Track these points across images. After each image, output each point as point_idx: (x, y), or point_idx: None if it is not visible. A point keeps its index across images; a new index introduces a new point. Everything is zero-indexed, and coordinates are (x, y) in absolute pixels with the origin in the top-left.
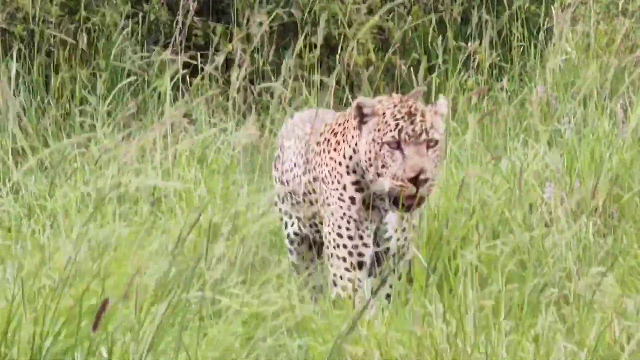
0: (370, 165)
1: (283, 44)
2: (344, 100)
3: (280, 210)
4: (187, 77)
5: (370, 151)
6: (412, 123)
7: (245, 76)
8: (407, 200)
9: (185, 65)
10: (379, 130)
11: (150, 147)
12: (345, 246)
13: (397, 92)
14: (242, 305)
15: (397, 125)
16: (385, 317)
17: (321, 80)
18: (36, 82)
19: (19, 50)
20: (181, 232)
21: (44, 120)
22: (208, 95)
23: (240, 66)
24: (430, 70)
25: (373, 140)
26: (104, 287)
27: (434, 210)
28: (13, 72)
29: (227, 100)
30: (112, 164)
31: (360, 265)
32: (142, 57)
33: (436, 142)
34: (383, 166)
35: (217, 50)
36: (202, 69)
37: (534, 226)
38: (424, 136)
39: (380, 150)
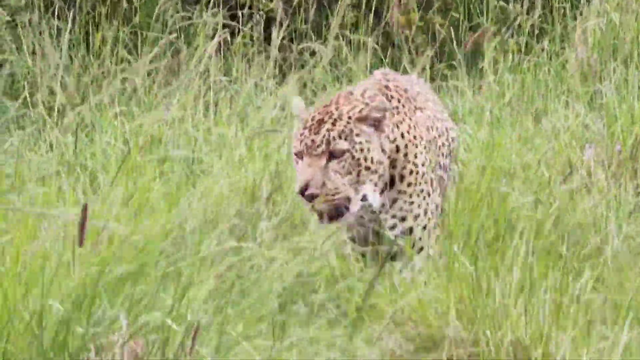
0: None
1: (324, 3)
2: (385, 60)
3: None
4: (228, 36)
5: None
6: (315, 133)
7: (285, 35)
8: (320, 214)
9: (225, 24)
10: (295, 137)
11: (191, 105)
12: None
13: (436, 52)
14: (285, 262)
15: (302, 134)
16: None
17: (362, 40)
18: (77, 40)
19: (60, 7)
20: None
21: (84, 79)
22: (248, 54)
23: (281, 25)
24: (471, 30)
25: (292, 147)
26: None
27: (474, 172)
28: (54, 30)
29: (268, 59)
30: (152, 123)
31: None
32: (182, 17)
33: (343, 152)
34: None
35: (258, 9)
36: (241, 31)
37: (573, 187)
38: (323, 147)
39: (294, 159)
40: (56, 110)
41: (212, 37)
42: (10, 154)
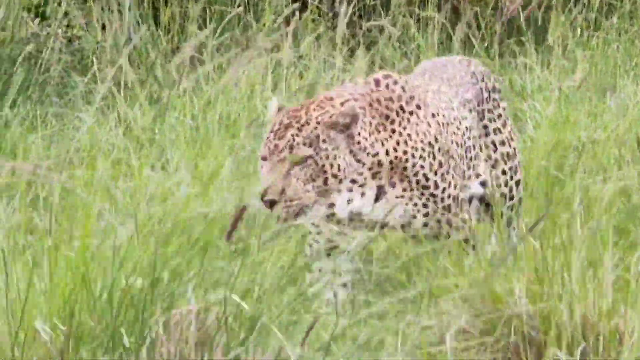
0: None
1: None
2: (454, 37)
3: None
4: (297, 12)
5: None
6: (280, 138)
7: (355, 11)
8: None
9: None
10: (263, 141)
11: (260, 81)
12: None
13: (505, 28)
14: None
15: (267, 138)
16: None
17: (430, 16)
18: (146, 15)
19: None
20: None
21: (153, 54)
22: (317, 29)
23: (349, 1)
24: (539, 7)
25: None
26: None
27: (542, 148)
28: (123, 6)
29: (336, 35)
30: (220, 99)
31: None
32: None
33: (307, 158)
34: None
35: None
36: (309, 6)
37: None
38: (285, 152)
39: (260, 163)
40: (123, 85)
41: (281, 13)
42: (79, 129)
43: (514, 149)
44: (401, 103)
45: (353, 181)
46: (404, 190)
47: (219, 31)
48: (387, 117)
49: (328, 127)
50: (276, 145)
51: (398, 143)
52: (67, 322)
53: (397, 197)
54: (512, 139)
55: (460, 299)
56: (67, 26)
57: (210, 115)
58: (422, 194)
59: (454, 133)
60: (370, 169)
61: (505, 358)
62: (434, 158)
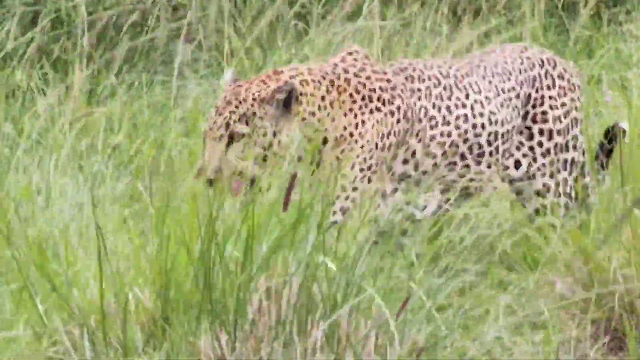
0: None
1: None
2: (559, 3)
3: None
4: None
5: None
6: (219, 114)
7: None
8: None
9: None
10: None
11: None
12: None
13: None
14: None
15: (211, 114)
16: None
17: None
18: None
19: None
20: None
21: (258, 23)
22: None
23: None
24: None
25: None
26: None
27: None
28: None
29: (441, 2)
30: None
31: None
32: None
33: (242, 135)
34: None
35: None
36: None
37: None
38: (222, 131)
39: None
40: (226, 54)
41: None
42: (185, 98)
43: (568, 142)
44: (365, 91)
45: (299, 158)
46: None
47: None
48: (350, 95)
49: (264, 103)
50: (215, 122)
51: (350, 124)
52: (167, 289)
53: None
54: (568, 131)
55: (564, 267)
56: None
57: None
58: (351, 182)
59: (450, 133)
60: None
61: (608, 327)
62: (371, 157)
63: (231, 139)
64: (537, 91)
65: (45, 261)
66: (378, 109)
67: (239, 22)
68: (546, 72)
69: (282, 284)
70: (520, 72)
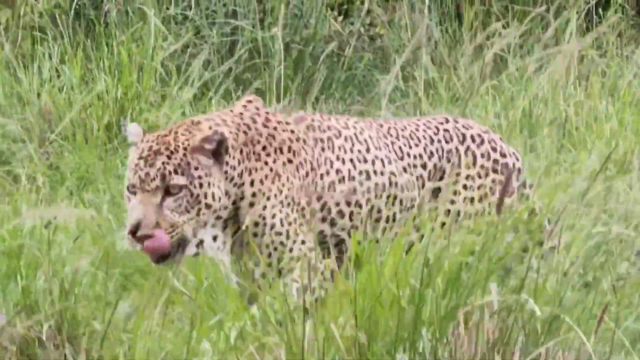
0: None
1: None
2: None
3: None
4: (600, 10)
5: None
6: (150, 165)
7: None
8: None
9: None
10: (129, 168)
11: (562, 79)
12: None
13: None
14: None
15: (136, 165)
16: None
17: None
18: (449, 14)
19: None
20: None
21: (455, 52)
22: (620, 27)
23: None
24: None
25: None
26: None
27: None
28: (425, 4)
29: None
30: (522, 95)
31: None
32: None
33: (180, 188)
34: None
35: None
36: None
37: None
38: (157, 182)
39: (125, 193)
40: (422, 84)
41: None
42: None
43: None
44: (276, 133)
45: (218, 217)
46: (255, 235)
47: (521, 30)
48: (264, 147)
49: (197, 153)
50: (147, 174)
51: (266, 177)
52: (367, 321)
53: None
54: (483, 215)
55: None
56: (370, 24)
57: (511, 113)
58: (272, 242)
59: (351, 190)
60: (234, 202)
61: None
62: (292, 210)
63: (167, 191)
64: (452, 167)
65: None
66: (290, 161)
67: (436, 53)
68: (467, 149)
69: (482, 316)
70: (432, 142)
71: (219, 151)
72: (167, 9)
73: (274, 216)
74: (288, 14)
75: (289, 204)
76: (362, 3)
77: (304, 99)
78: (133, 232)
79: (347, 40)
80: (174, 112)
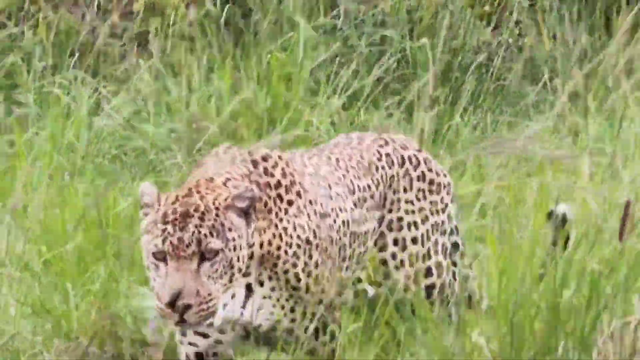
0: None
1: None
2: None
3: None
4: None
5: (146, 256)
6: (181, 229)
7: None
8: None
9: None
10: (148, 232)
11: None
12: None
13: None
14: None
15: (163, 231)
16: None
17: None
18: (597, 24)
19: None
20: None
21: (604, 62)
22: None
23: None
24: None
25: (145, 243)
26: None
27: None
28: (575, 15)
29: None
30: None
31: None
32: None
33: (216, 252)
34: (154, 279)
35: None
36: None
37: None
38: (193, 248)
39: (147, 259)
40: (568, 95)
41: None
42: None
43: (430, 248)
44: (279, 191)
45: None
46: (272, 289)
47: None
48: (265, 204)
49: (230, 212)
50: (180, 239)
51: (274, 236)
52: (508, 332)
53: (263, 297)
54: (429, 237)
55: None
56: (519, 35)
57: None
58: (291, 296)
59: (331, 227)
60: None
61: None
62: (310, 257)
63: (202, 257)
64: (394, 193)
65: None
66: (297, 212)
67: (585, 62)
68: (405, 172)
69: (624, 326)
70: (377, 169)
71: (248, 210)
72: (317, 19)
73: (286, 272)
74: (438, 26)
75: (297, 255)
76: (511, 14)
77: (452, 110)
78: (173, 302)
79: (496, 51)
80: (322, 122)
